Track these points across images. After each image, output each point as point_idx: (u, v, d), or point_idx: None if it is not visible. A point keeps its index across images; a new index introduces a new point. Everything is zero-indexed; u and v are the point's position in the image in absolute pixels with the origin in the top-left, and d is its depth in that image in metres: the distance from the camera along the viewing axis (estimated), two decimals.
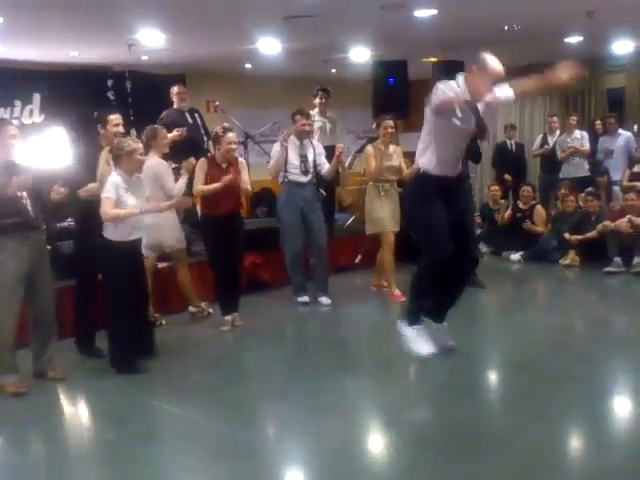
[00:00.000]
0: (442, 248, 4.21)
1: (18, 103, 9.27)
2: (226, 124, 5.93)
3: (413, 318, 4.46)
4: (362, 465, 3.42)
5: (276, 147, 6.59)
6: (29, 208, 4.55)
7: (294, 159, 6.51)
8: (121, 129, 5.32)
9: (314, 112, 7.86)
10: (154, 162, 5.72)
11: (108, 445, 3.78)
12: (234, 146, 5.81)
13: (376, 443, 3.80)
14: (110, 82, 10.18)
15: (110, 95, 10.15)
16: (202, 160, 5.81)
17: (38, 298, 4.66)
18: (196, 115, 7.77)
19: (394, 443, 3.70)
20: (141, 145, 5.00)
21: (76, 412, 4.52)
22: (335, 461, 3.42)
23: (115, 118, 5.33)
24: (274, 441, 3.78)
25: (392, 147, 6.75)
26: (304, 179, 6.53)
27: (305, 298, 6.68)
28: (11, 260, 4.44)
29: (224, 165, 5.74)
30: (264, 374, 4.90)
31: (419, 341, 4.41)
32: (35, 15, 6.66)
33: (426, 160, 4.33)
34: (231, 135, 5.75)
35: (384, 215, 6.63)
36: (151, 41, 8.09)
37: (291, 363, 5.15)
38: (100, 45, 8.45)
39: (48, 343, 4.75)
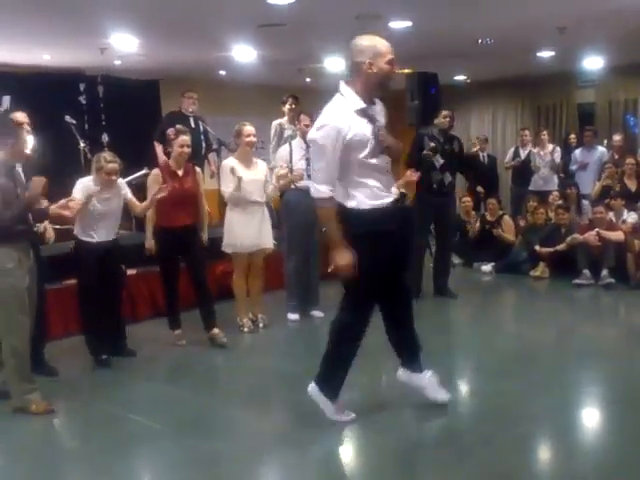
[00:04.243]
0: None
1: None
2: (179, 126, 5.69)
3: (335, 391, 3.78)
4: (339, 474, 3.40)
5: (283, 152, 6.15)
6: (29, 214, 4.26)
7: (299, 163, 5.96)
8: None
9: (284, 120, 7.79)
10: (225, 161, 5.85)
11: (72, 455, 3.71)
12: (187, 149, 5.38)
13: (351, 454, 3.76)
14: (82, 86, 10.08)
15: (82, 99, 10.05)
16: (155, 171, 5.45)
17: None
18: (200, 122, 7.72)
19: (367, 451, 3.68)
20: (112, 166, 4.94)
21: (40, 420, 4.42)
22: (304, 473, 3.39)
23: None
24: (243, 451, 3.74)
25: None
26: None
27: (296, 316, 6.27)
28: (20, 271, 4.05)
29: (180, 172, 5.39)
30: (237, 385, 4.85)
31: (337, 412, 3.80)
32: (7, 17, 6.58)
33: None
34: (185, 137, 5.38)
35: None
36: (124, 45, 8.03)
37: (269, 375, 5.08)
38: (72, 48, 8.36)
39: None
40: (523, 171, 9.83)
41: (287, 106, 7.76)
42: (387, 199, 3.58)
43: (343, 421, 3.78)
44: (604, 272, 7.41)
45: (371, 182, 3.54)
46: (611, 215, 7.96)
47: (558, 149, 9.75)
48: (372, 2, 6.52)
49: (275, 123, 7.85)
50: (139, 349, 5.37)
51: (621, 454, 3.48)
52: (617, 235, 7.55)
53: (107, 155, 5.04)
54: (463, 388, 4.82)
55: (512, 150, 10.34)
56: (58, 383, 4.74)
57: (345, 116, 3.47)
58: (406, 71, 9.53)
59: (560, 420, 3.93)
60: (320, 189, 3.47)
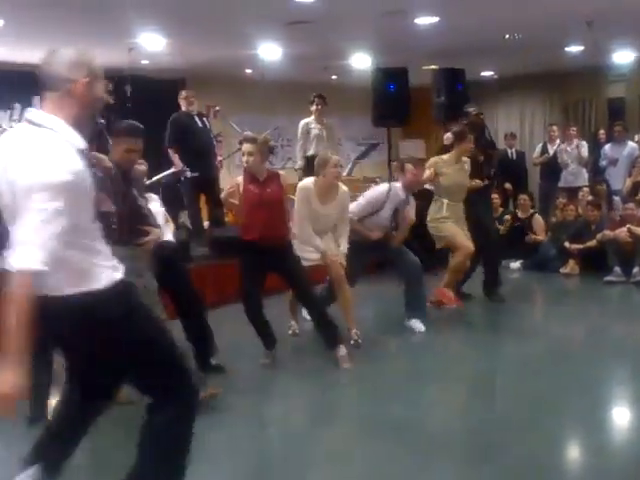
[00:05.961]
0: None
1: (18, 106, 9.28)
2: (247, 133, 5.06)
3: None
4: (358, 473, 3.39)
5: None
6: None
7: (386, 212, 5.60)
8: None
9: (311, 119, 7.95)
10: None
11: None
12: (246, 157, 4.65)
13: (372, 449, 3.74)
14: (110, 86, 10.17)
15: (110, 99, 10.14)
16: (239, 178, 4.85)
17: None
18: (204, 119, 7.72)
19: (387, 444, 3.67)
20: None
21: None
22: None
23: None
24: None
25: (464, 160, 6.11)
26: None
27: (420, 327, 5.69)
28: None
29: (261, 178, 4.70)
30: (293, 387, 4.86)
31: None
32: (35, 18, 6.67)
33: None
34: (246, 145, 4.68)
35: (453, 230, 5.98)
36: (151, 45, 8.12)
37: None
38: (100, 48, 8.34)
39: None
40: (552, 167, 9.72)
41: (313, 106, 7.92)
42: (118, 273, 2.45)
43: None
44: (636, 269, 7.30)
45: (104, 248, 2.44)
46: None
47: (584, 143, 9.62)
48: None
49: (302, 122, 7.99)
50: None
51: None
52: None
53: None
54: (492, 386, 4.78)
55: (540, 146, 10.23)
56: None
57: (73, 157, 2.25)
58: (432, 67, 9.50)
59: (591, 419, 3.88)
60: (34, 257, 2.08)
